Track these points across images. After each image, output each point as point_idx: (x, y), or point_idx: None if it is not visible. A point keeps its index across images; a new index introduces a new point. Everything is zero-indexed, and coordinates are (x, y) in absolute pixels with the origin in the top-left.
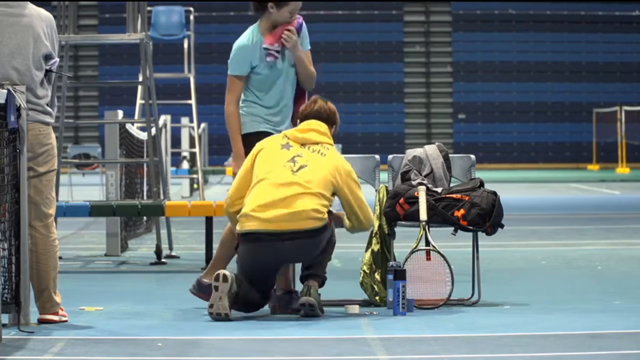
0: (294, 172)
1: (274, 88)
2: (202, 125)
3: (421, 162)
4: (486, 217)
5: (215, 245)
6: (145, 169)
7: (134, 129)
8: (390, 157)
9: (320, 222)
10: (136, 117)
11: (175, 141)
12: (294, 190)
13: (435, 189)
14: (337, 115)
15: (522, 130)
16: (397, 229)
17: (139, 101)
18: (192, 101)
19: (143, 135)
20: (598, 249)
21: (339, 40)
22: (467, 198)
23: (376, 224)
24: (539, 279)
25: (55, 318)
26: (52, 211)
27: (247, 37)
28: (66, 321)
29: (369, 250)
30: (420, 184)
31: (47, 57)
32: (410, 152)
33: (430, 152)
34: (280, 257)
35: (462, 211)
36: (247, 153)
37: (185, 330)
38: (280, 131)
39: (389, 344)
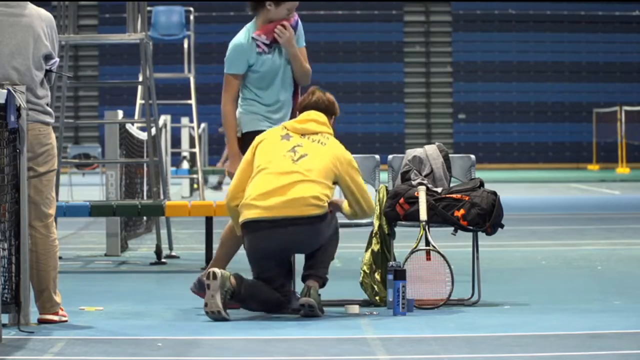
0: (294, 161)
1: (272, 85)
2: (202, 125)
3: (421, 162)
4: (486, 217)
5: (216, 245)
6: (145, 169)
7: (134, 129)
8: (390, 157)
9: (319, 209)
10: (136, 117)
11: (175, 141)
12: (293, 178)
13: (435, 189)
14: (336, 106)
15: (522, 130)
16: (397, 229)
17: (139, 101)
18: (192, 101)
19: (143, 135)
20: (598, 249)
21: (339, 40)
22: (467, 198)
23: (376, 224)
24: (539, 279)
25: (55, 318)
26: (52, 211)
27: (243, 35)
28: (66, 321)
29: (369, 250)
30: (420, 184)
31: (47, 57)
32: (410, 152)
33: (430, 152)
34: (280, 245)
35: (462, 211)
36: (246, 152)
37: (185, 330)
38: None
39: (389, 344)
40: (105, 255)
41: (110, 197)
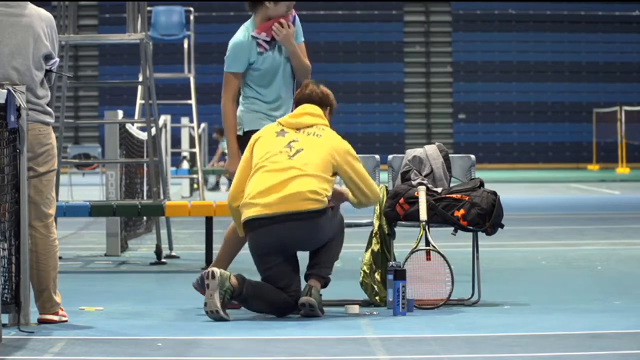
0: (290, 157)
1: (274, 82)
2: (202, 125)
3: (421, 162)
4: (486, 217)
5: (216, 245)
6: (145, 169)
7: (134, 129)
8: (390, 157)
9: (317, 204)
10: (136, 117)
11: (175, 141)
12: (290, 173)
13: (435, 189)
14: (331, 98)
15: (522, 130)
16: (397, 229)
17: (139, 101)
18: (192, 101)
19: (143, 135)
20: (598, 249)
21: (339, 40)
22: (467, 198)
23: (376, 224)
24: (539, 279)
25: (55, 318)
26: (52, 211)
27: (243, 33)
28: (66, 321)
29: (369, 250)
30: (420, 184)
31: (47, 57)
32: (410, 152)
33: (430, 152)
34: (280, 239)
35: (462, 211)
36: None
37: (185, 330)
38: None
39: (389, 344)
40: (105, 255)
41: (110, 197)
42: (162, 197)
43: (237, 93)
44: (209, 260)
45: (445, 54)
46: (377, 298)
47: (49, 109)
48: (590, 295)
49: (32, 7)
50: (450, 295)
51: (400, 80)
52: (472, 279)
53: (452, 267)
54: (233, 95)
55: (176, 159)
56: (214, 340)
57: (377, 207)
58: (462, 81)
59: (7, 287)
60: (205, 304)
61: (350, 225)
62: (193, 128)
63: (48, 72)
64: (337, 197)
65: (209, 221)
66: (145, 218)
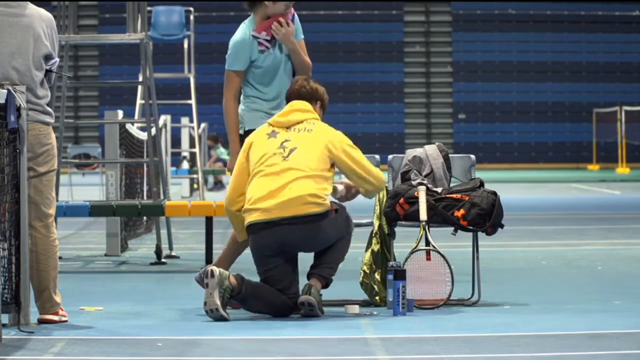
0: (285, 158)
1: (275, 80)
2: (202, 125)
3: (421, 162)
4: (486, 217)
5: (216, 245)
6: (145, 169)
7: (134, 129)
8: (390, 157)
9: (318, 207)
10: (136, 117)
11: (175, 141)
12: (289, 176)
13: (435, 189)
14: (321, 92)
15: (522, 130)
16: (397, 229)
17: (139, 101)
18: (192, 101)
19: (143, 135)
20: (598, 249)
21: (339, 40)
22: (467, 198)
23: (376, 224)
24: (539, 279)
25: (55, 318)
26: (52, 211)
27: (243, 31)
28: (66, 321)
29: (369, 250)
30: (420, 184)
31: (47, 57)
32: (410, 152)
33: (430, 152)
34: (281, 239)
35: (462, 211)
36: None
37: (185, 330)
38: None
39: (389, 344)
40: (105, 255)
41: (110, 197)
42: (162, 197)
43: (238, 91)
44: (209, 260)
45: (445, 54)
46: (377, 298)
47: (49, 109)
48: (590, 295)
49: (32, 7)
50: (450, 295)
51: (400, 80)
52: (472, 279)
53: (452, 267)
54: (235, 93)
55: (176, 159)
56: (214, 340)
57: (377, 207)
58: (462, 81)
59: (7, 287)
60: (205, 303)
61: None
62: (193, 128)
63: (48, 72)
64: (349, 191)
65: (209, 221)
66: (145, 218)
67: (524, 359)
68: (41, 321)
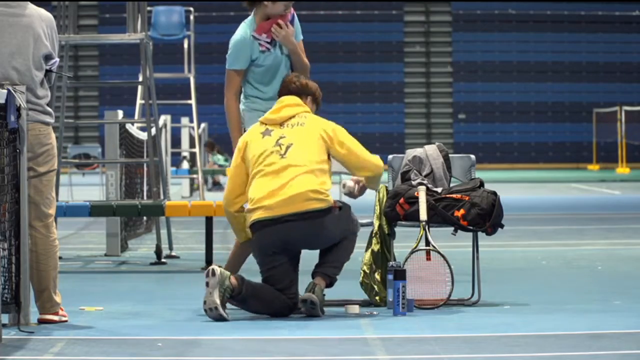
0: (282, 156)
1: (275, 78)
2: (202, 125)
3: (421, 162)
4: (486, 217)
5: (216, 245)
6: (145, 169)
7: (134, 129)
8: (390, 157)
9: (321, 203)
10: (136, 117)
11: (175, 141)
12: (289, 174)
13: (435, 189)
14: (311, 86)
15: (522, 130)
16: (397, 229)
17: (139, 101)
18: (192, 101)
19: (143, 135)
20: (598, 249)
21: (339, 40)
22: (467, 198)
23: (376, 224)
24: (539, 279)
25: (55, 318)
26: (52, 211)
27: (244, 30)
28: (66, 321)
29: (369, 250)
30: (420, 184)
31: (47, 57)
32: (410, 152)
33: (430, 152)
34: (284, 237)
35: (462, 211)
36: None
37: (185, 330)
38: None
39: (389, 344)
40: (105, 255)
41: (110, 197)
42: (162, 197)
43: (239, 90)
44: (209, 260)
45: (445, 54)
46: (377, 298)
47: (49, 109)
48: (590, 295)
49: (32, 7)
50: (450, 295)
51: (400, 80)
52: (472, 279)
53: (452, 267)
54: (236, 92)
55: (176, 159)
56: (214, 340)
57: (377, 207)
58: (462, 81)
59: (7, 287)
60: (205, 302)
61: None
62: (193, 128)
63: (48, 72)
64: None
65: (209, 221)
66: (145, 218)
67: (524, 359)
68: (41, 321)
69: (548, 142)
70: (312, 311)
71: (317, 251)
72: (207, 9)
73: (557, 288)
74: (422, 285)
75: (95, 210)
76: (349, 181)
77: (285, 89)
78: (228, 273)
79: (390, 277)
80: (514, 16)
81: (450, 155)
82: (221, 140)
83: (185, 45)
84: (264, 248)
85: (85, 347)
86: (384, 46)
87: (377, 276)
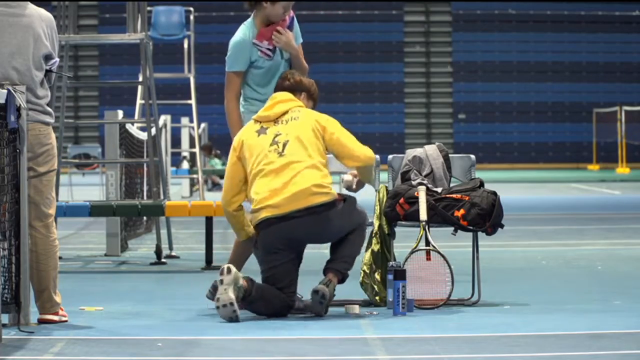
0: (280, 154)
1: (274, 80)
2: (202, 125)
3: (421, 162)
4: (486, 217)
5: (215, 245)
6: (145, 169)
7: (134, 129)
8: (390, 157)
9: (325, 196)
10: (136, 117)
11: (175, 141)
12: (290, 172)
13: (435, 189)
14: (305, 83)
15: (522, 130)
16: (397, 229)
17: (139, 101)
18: (192, 101)
19: (143, 135)
20: (598, 249)
21: (339, 40)
22: (467, 198)
23: (376, 224)
24: (539, 279)
25: (55, 318)
26: (52, 211)
27: (243, 32)
28: (66, 321)
29: (369, 250)
30: (420, 184)
31: (47, 57)
32: (410, 152)
33: (430, 152)
34: (292, 235)
35: (462, 211)
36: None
37: (185, 330)
38: None
39: (389, 344)
40: (105, 255)
41: (110, 197)
42: (162, 197)
43: (239, 92)
44: (209, 260)
45: (445, 54)
46: (377, 298)
47: (49, 109)
48: (590, 295)
49: (32, 7)
50: (450, 295)
51: (400, 80)
52: (472, 279)
53: (452, 267)
54: (236, 94)
55: (176, 159)
56: (214, 340)
57: (377, 207)
58: (462, 81)
59: (7, 287)
60: (218, 299)
61: None
62: (193, 128)
63: (48, 72)
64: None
65: (209, 221)
66: (145, 218)
67: (524, 359)
68: (41, 321)
69: (548, 142)
70: (318, 305)
71: (318, 251)
72: (207, 9)
73: (557, 288)
74: (422, 285)
75: (95, 210)
76: (347, 175)
77: (280, 87)
78: (240, 273)
79: (390, 277)
80: (514, 16)
81: (450, 155)
82: (221, 141)
83: (185, 45)
84: (268, 246)
85: (85, 347)
86: (384, 46)
87: (377, 276)
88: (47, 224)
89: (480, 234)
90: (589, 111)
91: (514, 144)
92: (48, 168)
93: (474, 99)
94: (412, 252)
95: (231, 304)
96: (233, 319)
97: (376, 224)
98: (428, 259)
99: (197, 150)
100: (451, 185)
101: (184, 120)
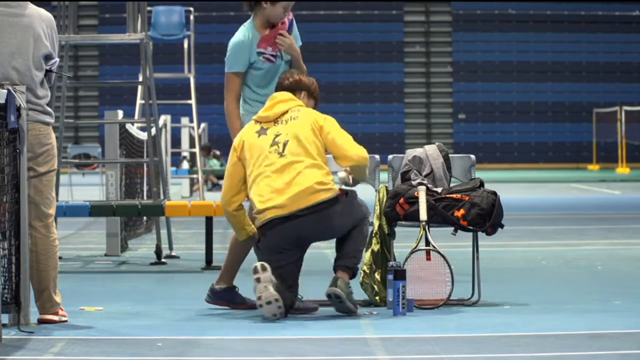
0: (281, 154)
1: (273, 81)
2: (202, 125)
3: (421, 162)
4: (486, 217)
5: (216, 245)
6: (145, 169)
7: (134, 129)
8: (390, 157)
9: (327, 193)
10: (136, 117)
11: (175, 141)
12: (292, 172)
13: (435, 189)
14: (305, 82)
15: (522, 130)
16: (397, 229)
17: (139, 101)
18: (192, 101)
19: (143, 135)
20: (598, 249)
21: (339, 40)
22: (467, 198)
23: (376, 224)
24: (539, 279)
25: (55, 318)
26: (52, 211)
27: (243, 33)
28: (66, 321)
29: (369, 250)
30: (420, 184)
31: (47, 57)
32: (410, 152)
33: (430, 152)
34: (298, 234)
35: (462, 211)
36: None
37: (185, 330)
38: None
39: (389, 344)
40: (105, 255)
41: (110, 197)
42: (162, 197)
43: (239, 93)
44: (209, 261)
45: (445, 54)
46: (377, 298)
47: (49, 109)
48: (590, 295)
49: (32, 7)
50: (450, 295)
51: (400, 80)
52: (472, 279)
53: (452, 267)
54: (236, 95)
55: (176, 159)
56: (214, 340)
57: (377, 207)
58: (462, 81)
59: (7, 287)
60: (260, 297)
61: None
62: (193, 128)
63: (48, 72)
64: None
65: (209, 221)
66: (145, 218)
67: (524, 359)
68: (41, 321)
69: (548, 142)
70: (340, 306)
71: (318, 251)
72: (207, 9)
73: (557, 288)
74: (422, 285)
75: (95, 210)
76: (341, 172)
77: (279, 86)
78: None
79: (390, 277)
80: (514, 16)
81: (450, 155)
82: (221, 141)
83: (185, 45)
84: (274, 246)
85: (85, 347)
86: (384, 46)
87: (377, 276)
88: (47, 224)
89: (480, 234)
90: (589, 111)
91: (514, 144)
92: (48, 168)
93: (474, 99)
94: (412, 252)
95: (276, 300)
96: (277, 315)
97: (376, 224)
98: (428, 259)
99: (197, 150)
100: (451, 185)
101: (184, 120)
